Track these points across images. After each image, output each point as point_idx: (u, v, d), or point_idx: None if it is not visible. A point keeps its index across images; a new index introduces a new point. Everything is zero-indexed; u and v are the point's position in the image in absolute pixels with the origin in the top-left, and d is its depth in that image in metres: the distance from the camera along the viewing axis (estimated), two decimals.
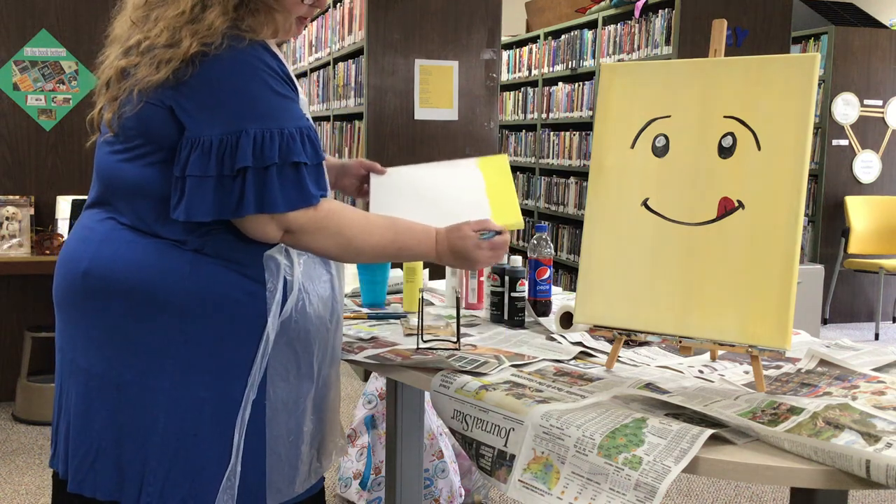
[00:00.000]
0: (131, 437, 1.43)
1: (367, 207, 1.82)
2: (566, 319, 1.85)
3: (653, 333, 1.48)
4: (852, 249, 6.14)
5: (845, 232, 6.18)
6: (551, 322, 1.93)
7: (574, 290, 1.67)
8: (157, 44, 1.39)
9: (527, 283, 2.01)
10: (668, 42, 5.14)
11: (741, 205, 1.42)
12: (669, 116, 1.50)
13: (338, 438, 1.70)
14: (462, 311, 2.03)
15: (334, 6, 5.31)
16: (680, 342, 1.46)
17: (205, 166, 1.37)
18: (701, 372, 1.57)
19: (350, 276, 2.28)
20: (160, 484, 1.43)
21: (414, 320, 1.95)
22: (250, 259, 1.46)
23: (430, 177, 1.84)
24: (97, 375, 1.44)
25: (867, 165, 6.28)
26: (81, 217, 1.54)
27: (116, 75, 1.44)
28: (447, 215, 1.64)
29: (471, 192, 1.78)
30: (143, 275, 1.42)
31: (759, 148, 1.41)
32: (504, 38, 7.43)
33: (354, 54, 4.80)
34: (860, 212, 6.19)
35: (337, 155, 5.28)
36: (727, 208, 1.43)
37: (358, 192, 1.92)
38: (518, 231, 7.17)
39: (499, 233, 1.61)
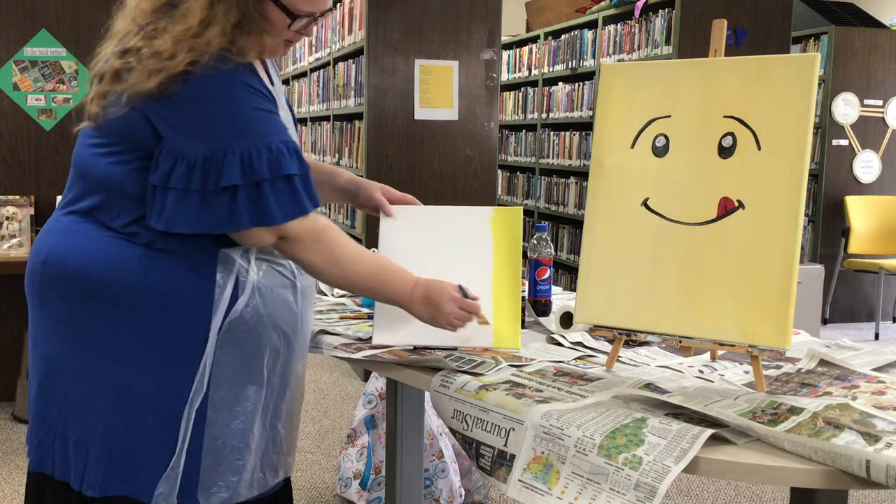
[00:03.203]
0: (80, 422, 1.49)
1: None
2: (566, 319, 1.85)
3: (653, 333, 1.48)
4: (852, 249, 6.14)
5: (845, 232, 6.18)
6: (551, 322, 1.93)
7: (574, 290, 1.67)
8: (155, 54, 1.42)
9: (527, 283, 2.01)
10: (668, 42, 5.14)
11: (741, 205, 1.42)
12: (669, 116, 1.50)
13: (283, 455, 1.65)
14: None
15: (334, 6, 5.31)
16: (680, 342, 1.46)
17: (189, 181, 1.42)
18: (701, 372, 1.57)
19: None
20: (103, 470, 1.48)
21: None
22: (202, 256, 1.49)
23: (441, 225, 1.81)
24: (53, 361, 1.51)
25: (867, 165, 6.28)
26: (56, 209, 1.60)
27: (111, 74, 1.48)
28: (450, 268, 1.70)
29: (477, 250, 1.77)
30: (92, 266, 1.47)
31: (759, 148, 1.41)
32: (504, 38, 7.43)
33: (354, 54, 4.80)
34: (860, 212, 6.19)
35: (337, 156, 5.28)
36: (727, 208, 1.43)
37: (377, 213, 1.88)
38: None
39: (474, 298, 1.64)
